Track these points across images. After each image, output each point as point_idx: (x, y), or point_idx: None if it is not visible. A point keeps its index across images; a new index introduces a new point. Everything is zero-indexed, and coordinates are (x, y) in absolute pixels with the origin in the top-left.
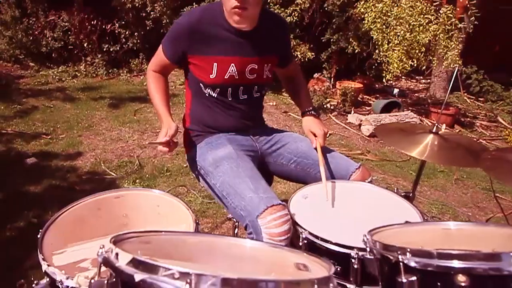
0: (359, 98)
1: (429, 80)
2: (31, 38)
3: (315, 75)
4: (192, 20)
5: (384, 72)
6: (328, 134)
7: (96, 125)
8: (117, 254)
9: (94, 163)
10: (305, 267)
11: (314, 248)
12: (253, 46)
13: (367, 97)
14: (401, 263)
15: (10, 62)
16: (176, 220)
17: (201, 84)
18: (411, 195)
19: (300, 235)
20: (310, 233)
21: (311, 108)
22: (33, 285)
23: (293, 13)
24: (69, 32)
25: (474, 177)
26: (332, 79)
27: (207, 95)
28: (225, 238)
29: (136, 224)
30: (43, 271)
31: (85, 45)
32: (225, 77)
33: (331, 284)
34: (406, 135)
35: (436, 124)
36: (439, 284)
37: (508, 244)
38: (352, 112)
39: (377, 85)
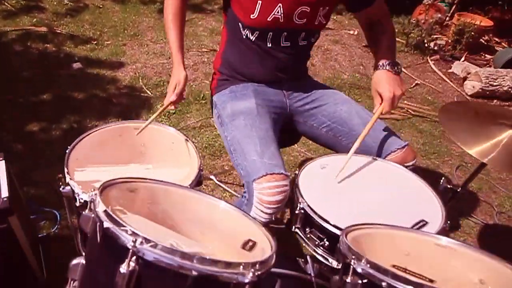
0: (483, 41)
1: None
2: None
3: (426, 1)
4: None
5: None
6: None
7: (141, 34)
8: (98, 202)
9: (133, 77)
10: (251, 248)
11: (309, 220)
12: None
13: (499, 40)
14: (351, 266)
15: None
16: (184, 160)
17: (239, 24)
18: (459, 189)
19: (298, 205)
20: (309, 206)
21: (387, 62)
22: (60, 188)
23: None
24: None
25: None
26: (454, 7)
27: (244, 37)
28: (205, 196)
29: (152, 154)
30: (66, 181)
31: None
32: (268, 19)
33: (251, 269)
34: (478, 123)
35: None
36: None
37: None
38: (463, 59)
39: None
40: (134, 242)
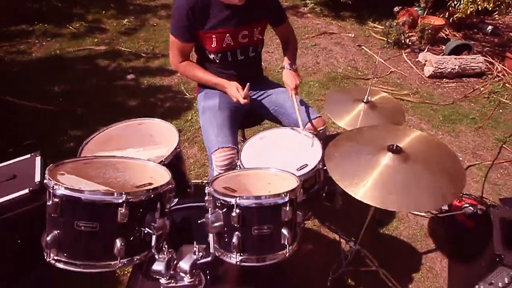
0: (443, 34)
1: None
2: None
3: (396, 8)
4: (188, 2)
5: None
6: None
7: None
8: (47, 169)
9: (177, 83)
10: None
11: None
12: (243, 16)
13: (456, 34)
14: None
15: None
16: (173, 139)
17: (206, 51)
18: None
19: (237, 162)
20: (241, 163)
21: (288, 63)
22: None
23: None
24: None
25: (502, 128)
26: (426, 11)
27: (211, 59)
28: (143, 161)
29: (161, 139)
30: None
31: None
32: (223, 46)
33: (125, 195)
34: (347, 101)
35: (367, 95)
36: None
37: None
38: (426, 50)
39: (474, 20)
40: (52, 187)
